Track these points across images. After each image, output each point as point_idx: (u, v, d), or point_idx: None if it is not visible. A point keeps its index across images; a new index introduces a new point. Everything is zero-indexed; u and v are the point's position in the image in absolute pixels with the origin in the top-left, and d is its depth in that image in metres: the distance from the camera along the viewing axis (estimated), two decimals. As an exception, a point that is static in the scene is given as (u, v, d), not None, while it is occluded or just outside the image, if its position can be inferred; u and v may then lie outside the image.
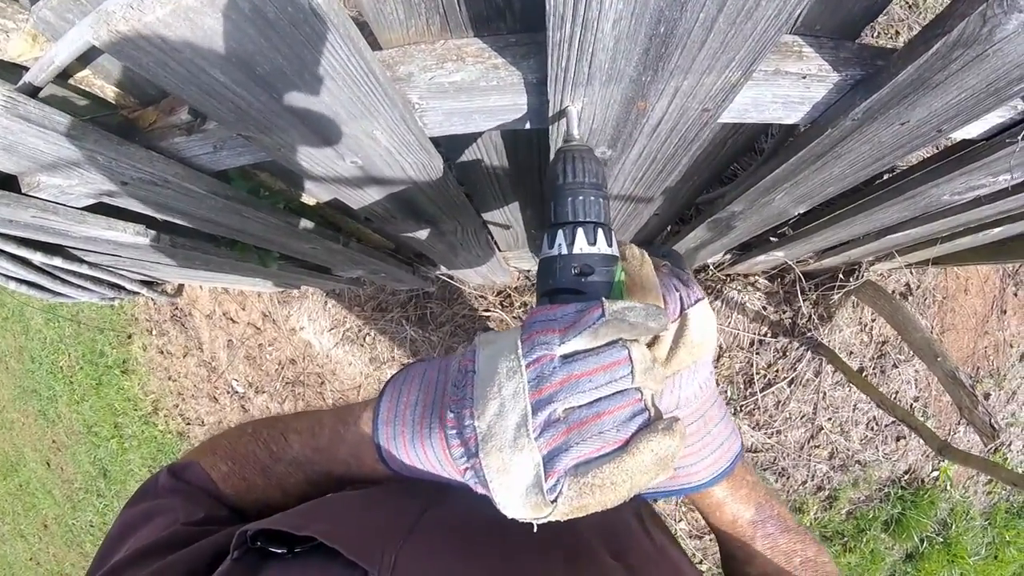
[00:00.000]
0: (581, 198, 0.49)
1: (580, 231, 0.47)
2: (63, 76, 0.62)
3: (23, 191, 0.75)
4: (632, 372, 0.37)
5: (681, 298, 0.51)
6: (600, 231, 0.47)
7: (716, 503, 0.58)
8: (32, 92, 0.55)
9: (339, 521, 0.45)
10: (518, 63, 0.59)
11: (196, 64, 0.48)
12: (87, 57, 0.63)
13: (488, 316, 2.11)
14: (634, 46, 0.49)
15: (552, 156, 0.52)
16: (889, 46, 2.16)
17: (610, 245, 0.48)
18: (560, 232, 0.47)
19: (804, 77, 0.66)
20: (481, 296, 2.09)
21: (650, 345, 0.49)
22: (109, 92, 0.71)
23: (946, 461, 2.28)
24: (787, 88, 0.68)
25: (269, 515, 0.49)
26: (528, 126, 0.67)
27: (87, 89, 0.70)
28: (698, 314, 0.50)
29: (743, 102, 0.68)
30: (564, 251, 0.47)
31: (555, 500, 0.36)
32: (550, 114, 0.61)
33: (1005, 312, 2.31)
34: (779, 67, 0.65)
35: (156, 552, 0.45)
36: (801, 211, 1.12)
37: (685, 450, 0.53)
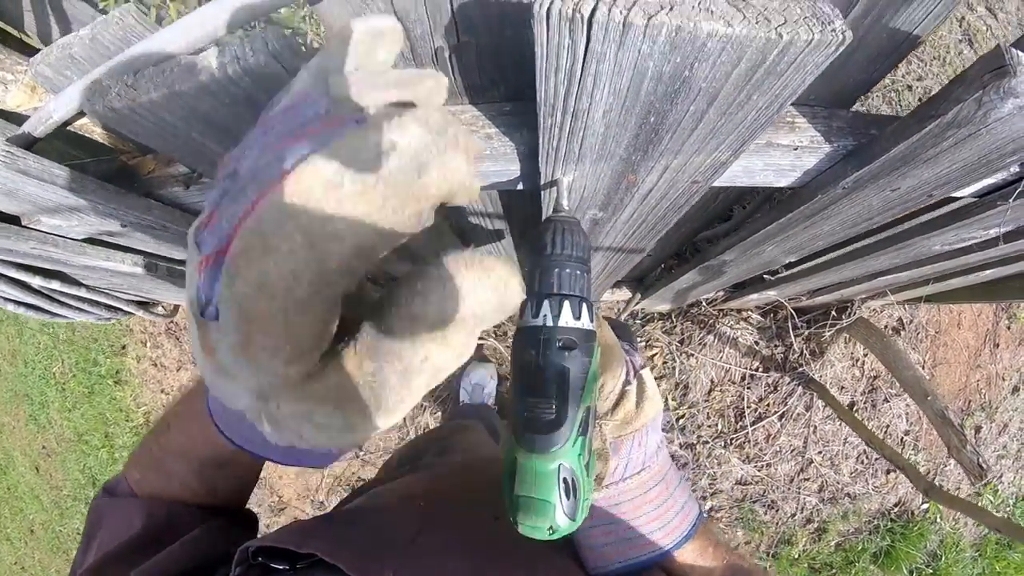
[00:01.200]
0: (568, 271, 0.49)
1: (567, 304, 0.47)
2: (62, 125, 0.63)
3: (23, 223, 0.76)
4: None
5: (632, 361, 0.53)
6: (584, 306, 0.48)
7: (688, 568, 0.57)
8: (30, 142, 0.56)
9: (338, 537, 0.46)
10: (511, 133, 0.60)
11: (192, 137, 0.48)
12: (85, 110, 0.64)
13: (481, 343, 2.11)
14: (624, 132, 0.50)
15: (543, 220, 0.52)
16: (883, 109, 2.16)
17: (592, 320, 0.48)
18: (547, 303, 0.47)
19: (796, 148, 0.67)
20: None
21: (619, 401, 0.51)
22: (109, 138, 0.71)
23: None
24: (778, 158, 0.69)
25: (193, 516, 0.52)
26: (520, 187, 0.67)
27: (86, 135, 0.70)
28: (647, 375, 0.54)
29: (733, 170, 0.69)
30: (550, 323, 0.47)
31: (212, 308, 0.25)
32: (541, 182, 0.61)
33: (998, 345, 2.32)
34: (771, 139, 0.66)
35: (122, 558, 0.47)
36: (792, 260, 1.13)
37: (651, 513, 0.54)
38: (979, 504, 2.35)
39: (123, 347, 2.66)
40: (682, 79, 0.42)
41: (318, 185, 0.23)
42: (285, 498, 2.39)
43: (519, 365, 0.48)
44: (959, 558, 2.39)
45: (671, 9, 0.36)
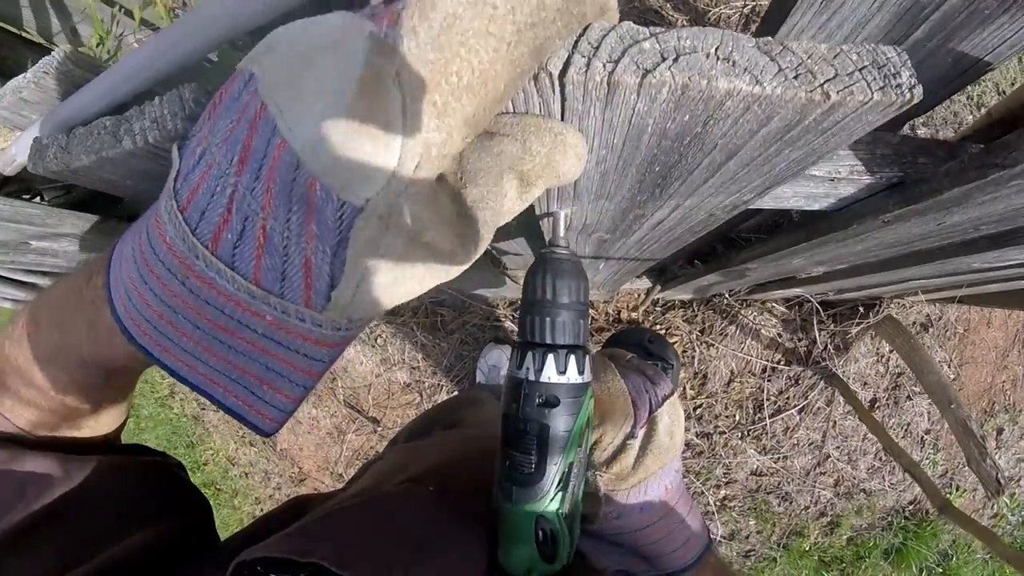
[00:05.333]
0: (557, 320, 0.45)
1: (551, 358, 0.43)
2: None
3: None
4: None
5: (650, 400, 0.49)
6: (572, 358, 0.44)
7: None
8: (1, 181, 0.53)
9: (345, 542, 0.43)
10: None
11: (132, 187, 0.45)
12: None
13: (499, 325, 2.08)
14: (624, 179, 0.45)
15: (536, 256, 0.47)
16: (928, 132, 2.01)
17: (581, 373, 0.44)
18: (530, 354, 0.44)
19: (832, 179, 0.61)
20: (492, 306, 2.05)
21: (617, 455, 0.48)
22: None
23: (952, 494, 2.24)
24: (811, 187, 0.63)
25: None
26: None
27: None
28: (666, 414, 0.49)
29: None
30: (531, 377, 0.43)
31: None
32: (537, 213, 0.56)
33: (1029, 347, 2.22)
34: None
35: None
36: (820, 271, 1.07)
37: (649, 547, 0.52)
38: (996, 505, 2.30)
39: (145, 316, 2.68)
40: (692, 135, 0.36)
41: None
42: (305, 469, 2.42)
43: (503, 414, 0.46)
44: (970, 559, 2.34)
45: (675, 61, 0.29)
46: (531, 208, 0.64)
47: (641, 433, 0.48)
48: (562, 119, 0.33)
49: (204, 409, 2.56)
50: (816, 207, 0.68)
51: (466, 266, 0.33)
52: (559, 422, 0.43)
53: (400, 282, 0.31)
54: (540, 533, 0.44)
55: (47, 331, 0.39)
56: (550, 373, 0.43)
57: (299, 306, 0.30)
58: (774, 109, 0.31)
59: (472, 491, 0.56)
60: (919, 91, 0.30)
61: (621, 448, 0.48)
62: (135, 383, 0.47)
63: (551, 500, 0.44)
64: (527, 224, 1.00)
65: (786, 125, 0.34)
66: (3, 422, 0.42)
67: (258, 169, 0.26)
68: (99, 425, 0.46)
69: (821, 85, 0.30)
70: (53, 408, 0.42)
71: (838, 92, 0.30)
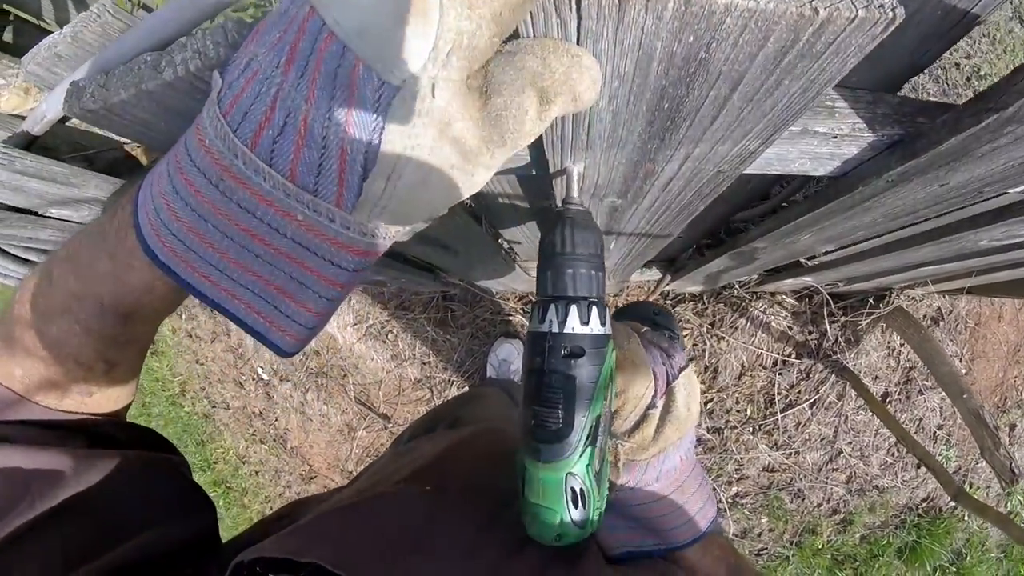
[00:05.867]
0: (576, 271, 0.46)
1: (573, 308, 0.44)
2: (59, 122, 0.63)
3: (40, 213, 0.76)
4: None
5: (667, 372, 0.50)
6: (594, 309, 0.45)
7: (690, 567, 0.57)
8: (29, 141, 0.55)
9: (341, 542, 0.44)
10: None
11: (165, 130, 0.47)
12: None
13: (509, 320, 2.09)
14: (635, 119, 0.46)
15: (553, 213, 0.49)
16: (928, 87, 2.04)
17: (603, 324, 0.45)
18: (552, 307, 0.45)
19: (835, 136, 0.62)
20: (503, 299, 2.07)
21: (638, 424, 0.49)
22: (108, 129, 0.71)
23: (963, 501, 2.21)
24: (815, 146, 0.64)
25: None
26: (534, 173, 0.64)
27: (86, 129, 0.69)
28: (683, 386, 0.50)
29: (766, 157, 0.64)
30: (555, 329, 0.44)
31: None
32: (550, 171, 0.58)
33: (1040, 342, 2.21)
34: (807, 126, 0.61)
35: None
36: (829, 250, 1.08)
37: (660, 519, 0.53)
38: (1009, 503, 2.27)
39: (158, 317, 2.71)
40: (698, 61, 0.38)
41: None
42: (315, 467, 2.44)
43: (526, 372, 0.46)
44: (984, 558, 2.31)
45: (678, -23, 0.31)
46: (539, 214, 0.66)
47: (660, 404, 0.49)
48: (578, 42, 0.35)
49: (215, 407, 2.58)
50: (821, 171, 0.69)
51: (489, 174, 0.35)
52: (585, 372, 0.43)
53: (427, 186, 0.32)
54: (570, 492, 0.44)
55: (62, 282, 0.40)
56: (574, 324, 0.44)
57: (330, 205, 0.31)
58: (769, 27, 0.33)
59: (473, 489, 0.57)
60: (901, 12, 0.32)
61: (642, 418, 0.49)
62: (150, 340, 0.47)
63: (580, 455, 0.43)
64: (537, 209, 1.02)
65: (782, 47, 0.36)
66: (11, 396, 0.41)
67: (304, 66, 0.28)
68: (109, 397, 0.46)
69: (811, 2, 0.32)
70: (66, 368, 0.41)
71: (826, 8, 0.32)
